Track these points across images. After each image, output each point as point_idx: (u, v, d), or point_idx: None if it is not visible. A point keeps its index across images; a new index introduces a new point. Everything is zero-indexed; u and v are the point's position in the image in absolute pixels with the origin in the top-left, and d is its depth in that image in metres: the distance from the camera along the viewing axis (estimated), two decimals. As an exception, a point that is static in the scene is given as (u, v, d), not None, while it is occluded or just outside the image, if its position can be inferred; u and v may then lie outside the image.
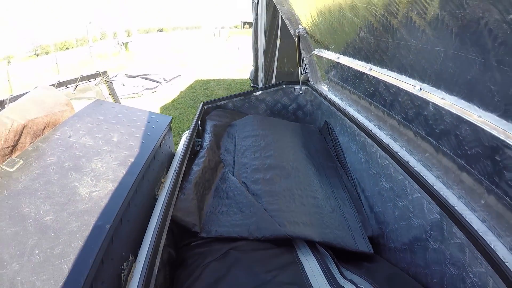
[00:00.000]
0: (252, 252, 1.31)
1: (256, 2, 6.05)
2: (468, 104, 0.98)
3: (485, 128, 0.91)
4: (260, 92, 2.75)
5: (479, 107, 0.94)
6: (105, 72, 2.79)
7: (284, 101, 2.78)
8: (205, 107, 2.58)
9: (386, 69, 1.45)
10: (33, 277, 0.81)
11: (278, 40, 5.69)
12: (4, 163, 1.18)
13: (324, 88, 2.56)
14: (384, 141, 1.55)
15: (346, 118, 2.03)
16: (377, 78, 1.53)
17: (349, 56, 1.84)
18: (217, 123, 2.36)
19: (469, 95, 0.97)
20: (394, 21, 1.17)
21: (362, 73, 1.70)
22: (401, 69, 1.32)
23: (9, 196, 1.05)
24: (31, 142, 1.34)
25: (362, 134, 1.79)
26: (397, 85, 1.35)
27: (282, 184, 1.69)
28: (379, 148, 1.59)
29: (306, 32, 2.38)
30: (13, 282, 0.79)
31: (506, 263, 0.84)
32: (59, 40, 18.14)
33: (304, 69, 2.70)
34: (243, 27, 27.54)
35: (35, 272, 0.82)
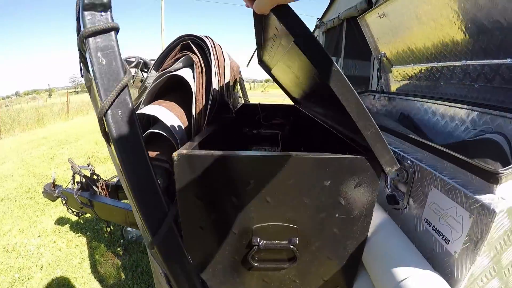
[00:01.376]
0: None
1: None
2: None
3: None
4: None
5: None
6: (240, 71, 4.15)
7: (366, 105, 3.94)
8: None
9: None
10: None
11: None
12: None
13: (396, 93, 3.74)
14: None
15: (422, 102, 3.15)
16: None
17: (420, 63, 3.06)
18: None
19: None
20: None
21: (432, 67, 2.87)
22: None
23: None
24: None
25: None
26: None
27: None
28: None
29: (386, 57, 3.64)
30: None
31: None
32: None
33: (380, 82, 3.89)
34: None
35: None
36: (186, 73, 1.64)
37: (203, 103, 1.72)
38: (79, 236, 4.17)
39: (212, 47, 1.74)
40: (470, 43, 2.21)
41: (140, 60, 2.54)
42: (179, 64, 1.70)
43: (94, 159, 7.72)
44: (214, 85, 1.74)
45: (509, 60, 2.05)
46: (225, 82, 1.96)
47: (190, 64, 1.70)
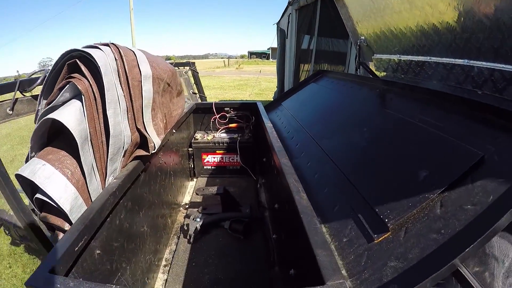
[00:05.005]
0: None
1: (285, 29, 6.95)
2: None
3: None
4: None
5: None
6: (193, 63, 3.39)
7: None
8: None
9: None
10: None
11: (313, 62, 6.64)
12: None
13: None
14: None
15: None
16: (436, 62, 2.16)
17: (409, 54, 2.50)
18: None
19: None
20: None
21: (424, 62, 2.33)
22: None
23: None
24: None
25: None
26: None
27: None
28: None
29: (366, 43, 3.05)
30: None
31: None
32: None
33: (358, 72, 3.34)
34: (250, 57, 28.96)
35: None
36: (70, 111, 1.12)
37: (104, 146, 1.14)
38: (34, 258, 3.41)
39: (106, 63, 1.15)
40: (478, 40, 1.67)
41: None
42: (65, 95, 1.17)
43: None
44: (117, 118, 1.17)
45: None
46: (143, 103, 1.36)
47: (79, 93, 1.12)
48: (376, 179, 1.16)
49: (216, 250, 1.77)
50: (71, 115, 1.10)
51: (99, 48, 1.22)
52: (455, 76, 1.99)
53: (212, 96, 10.60)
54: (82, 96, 1.12)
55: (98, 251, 1.01)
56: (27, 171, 1.07)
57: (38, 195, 1.07)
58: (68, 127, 1.07)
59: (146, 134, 1.38)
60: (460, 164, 0.92)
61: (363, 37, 3.08)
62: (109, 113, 1.16)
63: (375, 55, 3.06)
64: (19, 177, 1.08)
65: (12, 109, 1.70)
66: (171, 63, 3.09)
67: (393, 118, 1.49)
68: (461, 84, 1.97)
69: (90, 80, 1.15)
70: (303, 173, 1.56)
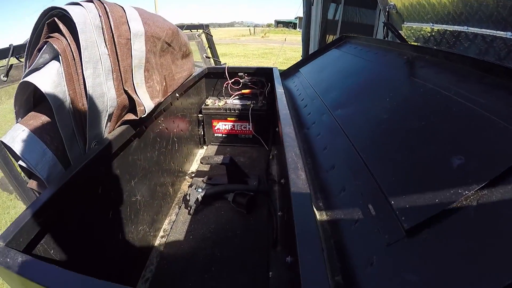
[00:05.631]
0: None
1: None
2: None
3: None
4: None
5: None
6: (207, 26, 3.17)
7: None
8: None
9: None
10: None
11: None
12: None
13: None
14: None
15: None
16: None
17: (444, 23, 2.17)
18: None
19: None
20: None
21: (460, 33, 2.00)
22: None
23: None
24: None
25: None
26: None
27: None
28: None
29: (396, 9, 2.71)
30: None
31: None
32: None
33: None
34: (277, 26, 27.94)
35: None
36: (46, 73, 1.00)
37: (83, 108, 1.03)
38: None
39: (86, 20, 1.01)
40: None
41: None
42: (44, 56, 1.04)
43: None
44: (98, 79, 1.05)
45: None
46: (132, 63, 1.22)
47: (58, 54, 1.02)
48: (396, 163, 0.93)
49: (216, 224, 1.68)
50: (47, 77, 0.98)
51: (80, 5, 1.06)
52: (496, 51, 1.67)
53: (235, 64, 10.31)
54: (60, 57, 0.98)
55: (74, 223, 0.92)
56: (8, 137, 0.99)
57: (20, 162, 0.99)
58: (41, 89, 0.95)
59: (135, 96, 1.23)
60: (508, 154, 0.68)
61: (392, 3, 2.72)
62: (86, 73, 1.02)
63: (405, 23, 2.72)
64: (3, 144, 0.99)
65: (6, 75, 1.61)
66: (181, 26, 2.87)
67: (423, 89, 1.22)
68: (501, 61, 1.67)
69: (68, 39, 1.00)
70: (311, 146, 1.38)
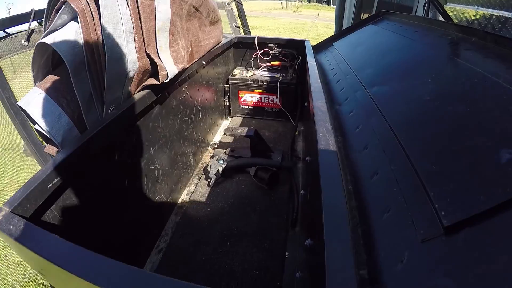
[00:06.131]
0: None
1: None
2: None
3: None
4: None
5: None
6: None
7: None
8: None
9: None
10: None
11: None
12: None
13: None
14: None
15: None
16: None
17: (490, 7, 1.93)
18: None
19: None
20: None
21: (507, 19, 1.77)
22: None
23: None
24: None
25: None
26: None
27: None
28: None
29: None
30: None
31: None
32: None
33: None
34: (309, 1, 26.75)
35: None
36: (63, 34, 0.95)
37: (102, 72, 0.98)
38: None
39: None
40: None
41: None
42: (62, 17, 0.98)
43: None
44: (117, 40, 1.01)
45: None
46: (156, 26, 1.14)
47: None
48: (438, 150, 0.82)
49: (235, 198, 1.64)
50: (63, 38, 0.93)
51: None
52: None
53: (266, 37, 10.04)
54: (78, 17, 0.92)
55: (86, 191, 0.89)
56: (23, 101, 0.97)
57: (35, 126, 0.97)
58: (57, 50, 0.91)
59: (157, 60, 1.17)
60: None
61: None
62: (105, 34, 0.97)
63: (447, 4, 2.46)
64: (20, 108, 0.97)
65: (28, 40, 1.58)
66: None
67: (469, 72, 1.07)
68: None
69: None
70: (343, 123, 1.28)
